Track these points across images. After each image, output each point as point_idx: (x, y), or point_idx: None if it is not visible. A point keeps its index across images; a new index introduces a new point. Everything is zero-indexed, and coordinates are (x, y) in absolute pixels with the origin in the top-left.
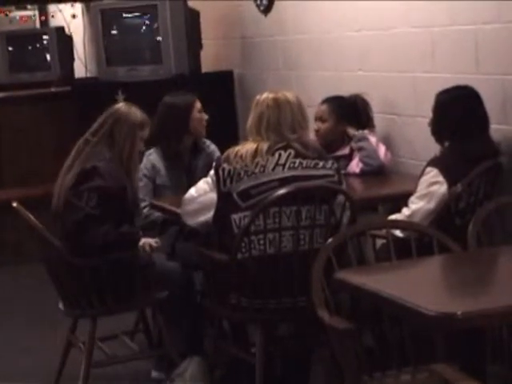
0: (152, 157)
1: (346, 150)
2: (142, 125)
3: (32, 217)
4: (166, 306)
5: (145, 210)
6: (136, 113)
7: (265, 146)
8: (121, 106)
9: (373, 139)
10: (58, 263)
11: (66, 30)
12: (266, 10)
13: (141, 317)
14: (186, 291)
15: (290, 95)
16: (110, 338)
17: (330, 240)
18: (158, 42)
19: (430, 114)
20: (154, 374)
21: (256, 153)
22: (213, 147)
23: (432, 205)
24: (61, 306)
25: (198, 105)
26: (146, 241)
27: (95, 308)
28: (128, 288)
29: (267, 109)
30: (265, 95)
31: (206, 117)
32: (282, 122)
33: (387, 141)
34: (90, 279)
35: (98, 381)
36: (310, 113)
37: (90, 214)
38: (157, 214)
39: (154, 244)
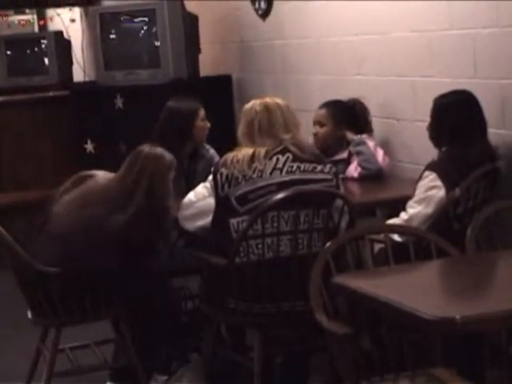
0: None
1: (344, 155)
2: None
3: None
4: (135, 316)
5: None
6: (165, 156)
7: (262, 150)
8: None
9: (371, 143)
10: (24, 272)
11: (65, 34)
12: (265, 14)
13: (113, 326)
14: (159, 301)
15: (276, 98)
16: (84, 347)
17: (328, 244)
18: (157, 46)
19: (428, 119)
20: None
21: (253, 157)
22: (212, 152)
23: (430, 209)
24: (29, 314)
25: (202, 113)
26: None
27: (60, 318)
28: (93, 298)
29: (256, 114)
30: (251, 103)
31: (208, 125)
32: (274, 122)
33: (385, 145)
34: (55, 289)
35: None
36: (308, 117)
37: None
38: None
39: None
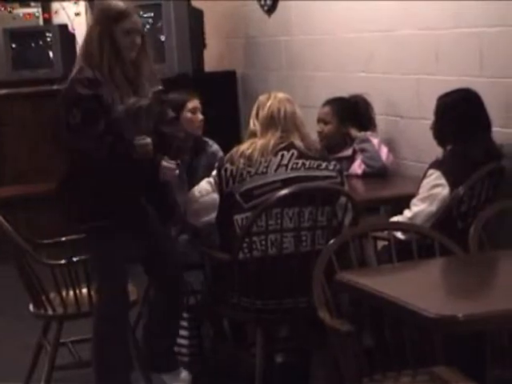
0: None
1: (348, 152)
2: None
3: (1, 217)
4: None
5: None
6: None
7: (271, 142)
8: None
9: (375, 141)
10: (26, 265)
11: (70, 27)
12: (270, 10)
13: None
14: (173, 295)
15: None
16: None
17: (331, 241)
18: (162, 41)
19: (432, 117)
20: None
21: (259, 153)
22: (215, 147)
23: (434, 207)
24: (31, 308)
25: (191, 105)
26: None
27: (62, 311)
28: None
29: (280, 103)
30: (273, 94)
31: (200, 117)
32: (297, 115)
33: (390, 142)
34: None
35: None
36: (313, 114)
37: None
38: None
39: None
